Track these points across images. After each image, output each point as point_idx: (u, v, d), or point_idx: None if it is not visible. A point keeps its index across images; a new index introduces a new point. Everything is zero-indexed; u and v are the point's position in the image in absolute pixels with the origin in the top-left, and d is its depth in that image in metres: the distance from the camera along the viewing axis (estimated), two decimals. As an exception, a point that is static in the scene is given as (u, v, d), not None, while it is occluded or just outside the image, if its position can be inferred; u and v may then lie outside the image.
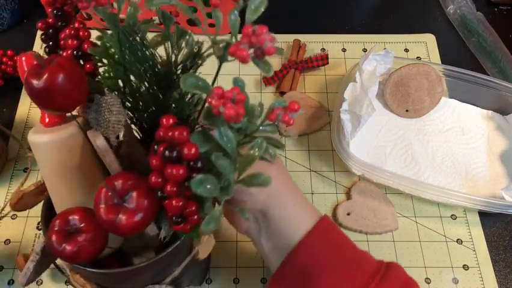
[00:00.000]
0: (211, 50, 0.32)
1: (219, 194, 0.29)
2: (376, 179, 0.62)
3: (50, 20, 0.36)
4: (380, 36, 0.80)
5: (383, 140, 0.68)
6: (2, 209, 0.61)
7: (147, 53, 0.36)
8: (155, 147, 0.28)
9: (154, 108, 0.38)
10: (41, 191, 0.44)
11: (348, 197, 0.63)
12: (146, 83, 0.37)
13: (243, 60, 0.26)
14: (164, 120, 0.28)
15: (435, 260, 0.59)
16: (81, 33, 0.36)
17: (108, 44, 0.35)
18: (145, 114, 0.39)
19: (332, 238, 0.42)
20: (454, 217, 0.62)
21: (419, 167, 0.65)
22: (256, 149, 0.30)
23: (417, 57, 0.77)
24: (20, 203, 0.45)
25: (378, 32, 0.81)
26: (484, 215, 0.62)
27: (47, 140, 0.36)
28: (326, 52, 0.76)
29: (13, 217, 0.61)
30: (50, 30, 0.36)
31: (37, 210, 0.61)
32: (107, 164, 0.37)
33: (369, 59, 0.67)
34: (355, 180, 0.65)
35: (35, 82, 0.31)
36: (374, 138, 0.68)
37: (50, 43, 0.36)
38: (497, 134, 0.69)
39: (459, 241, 0.60)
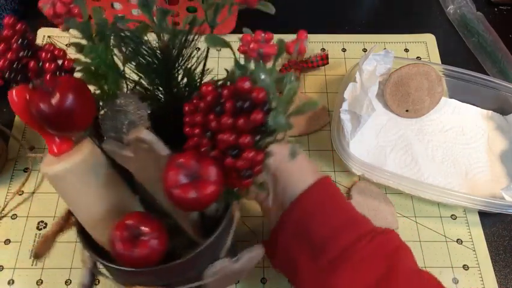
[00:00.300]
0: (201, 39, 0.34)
1: (286, 126, 0.31)
2: (376, 179, 0.62)
3: (10, 55, 0.34)
4: (380, 36, 0.80)
5: (383, 140, 0.68)
6: (2, 209, 0.61)
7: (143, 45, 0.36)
8: (223, 106, 0.29)
9: (162, 96, 0.39)
10: (61, 227, 0.43)
11: (348, 197, 0.63)
12: (152, 75, 0.38)
13: (252, 3, 0.29)
14: (204, 88, 0.30)
15: (435, 260, 0.59)
16: (56, 52, 0.35)
17: (95, 53, 0.34)
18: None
19: (333, 194, 0.46)
20: (454, 217, 0.62)
21: (419, 167, 0.65)
22: (290, 82, 0.32)
23: (417, 57, 0.77)
24: (43, 247, 0.43)
25: (378, 32, 0.81)
26: (484, 215, 0.62)
27: (70, 166, 0.35)
28: (326, 52, 0.75)
29: (13, 217, 0.61)
30: (14, 65, 0.34)
31: (37, 210, 0.61)
32: (152, 156, 0.35)
33: (369, 59, 0.67)
34: (355, 180, 0.65)
35: (47, 107, 0.30)
36: (374, 138, 0.68)
37: (19, 78, 0.35)
38: (497, 134, 0.69)
39: (459, 241, 0.60)
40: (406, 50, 0.78)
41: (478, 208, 0.60)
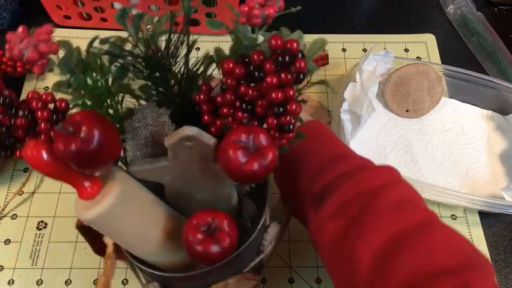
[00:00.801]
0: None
1: (316, 68, 0.35)
2: (376, 179, 0.62)
3: None
4: (380, 36, 0.80)
5: (383, 140, 0.68)
6: (2, 209, 0.61)
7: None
8: (261, 70, 0.30)
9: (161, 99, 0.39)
10: (111, 266, 0.42)
11: (348, 197, 0.63)
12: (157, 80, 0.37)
13: None
14: (226, 65, 0.31)
15: (435, 260, 0.59)
16: (44, 97, 0.32)
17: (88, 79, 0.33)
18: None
19: (331, 131, 0.49)
20: (454, 217, 0.62)
21: (419, 167, 0.65)
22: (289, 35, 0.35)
23: (417, 57, 0.78)
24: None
25: (378, 32, 0.81)
26: (484, 215, 0.62)
27: (110, 202, 0.34)
28: (326, 52, 0.75)
29: (13, 217, 0.61)
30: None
31: (37, 210, 0.61)
32: (196, 151, 0.35)
33: (369, 59, 0.67)
34: (355, 180, 0.65)
35: (78, 145, 0.29)
36: (374, 138, 0.68)
37: (7, 141, 0.33)
38: (497, 134, 0.70)
39: (459, 241, 0.60)
40: (406, 50, 0.79)
41: (478, 208, 0.60)
